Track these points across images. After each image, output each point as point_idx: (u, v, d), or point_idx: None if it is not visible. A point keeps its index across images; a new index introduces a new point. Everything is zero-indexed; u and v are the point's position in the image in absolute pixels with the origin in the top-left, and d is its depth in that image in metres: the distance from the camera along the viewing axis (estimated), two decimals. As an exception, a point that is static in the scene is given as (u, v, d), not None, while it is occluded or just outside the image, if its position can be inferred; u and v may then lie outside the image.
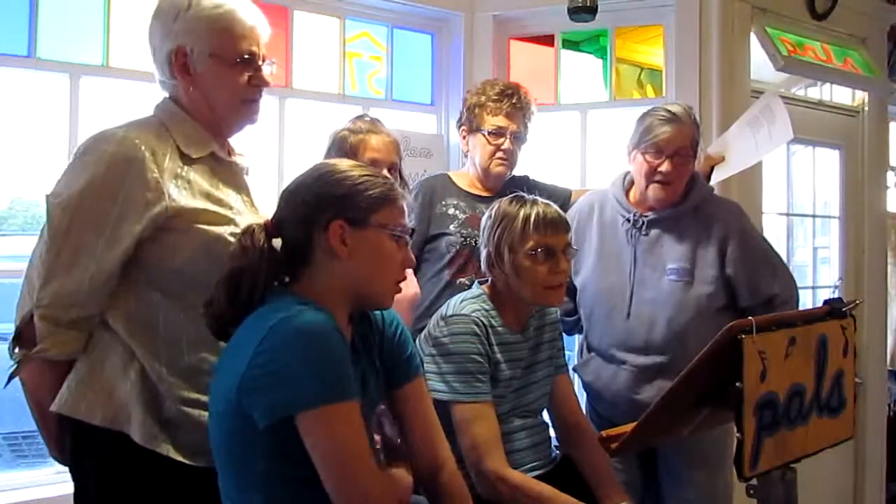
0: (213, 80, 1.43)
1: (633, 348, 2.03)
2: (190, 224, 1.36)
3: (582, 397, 2.29)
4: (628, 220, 2.08)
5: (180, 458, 1.35)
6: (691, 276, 2.00)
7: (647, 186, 2.04)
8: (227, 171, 1.48)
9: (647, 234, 2.06)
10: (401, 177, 1.92)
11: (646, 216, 2.06)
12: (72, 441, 1.38)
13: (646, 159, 2.02)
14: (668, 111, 2.03)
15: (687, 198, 2.07)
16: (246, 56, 1.44)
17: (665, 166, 1.99)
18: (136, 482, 1.34)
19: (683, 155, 2.01)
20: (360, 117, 1.99)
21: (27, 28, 2.19)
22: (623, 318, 2.04)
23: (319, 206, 1.26)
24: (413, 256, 1.37)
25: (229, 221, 1.40)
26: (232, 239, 1.37)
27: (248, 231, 1.28)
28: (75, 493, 1.41)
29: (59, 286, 1.32)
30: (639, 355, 2.02)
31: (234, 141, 1.56)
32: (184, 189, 1.37)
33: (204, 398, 1.35)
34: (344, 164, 1.34)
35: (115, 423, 1.33)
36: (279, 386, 1.14)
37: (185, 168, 1.39)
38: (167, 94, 1.48)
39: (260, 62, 1.47)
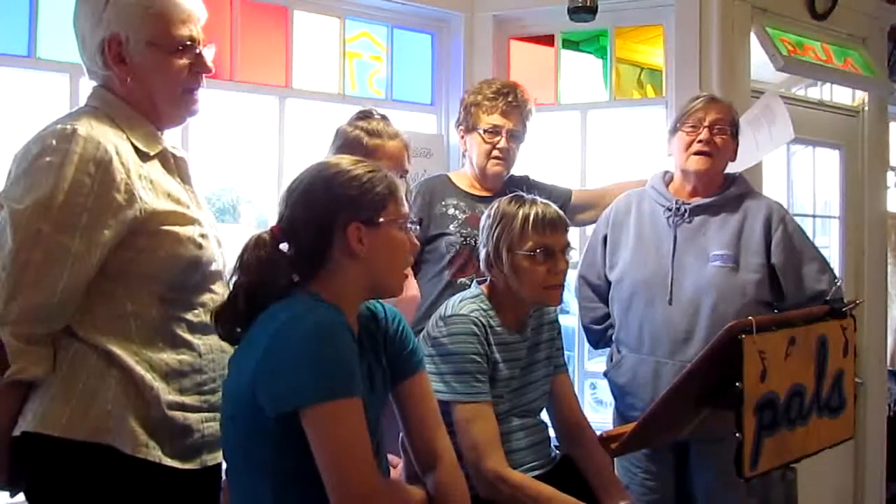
0: (152, 69, 1.34)
1: (674, 338, 1.98)
2: (158, 226, 1.30)
3: (583, 397, 2.29)
4: (669, 209, 2.09)
5: (170, 463, 1.30)
6: (736, 262, 1.98)
7: (686, 160, 2.06)
8: (174, 166, 1.42)
9: (690, 222, 2.06)
10: (406, 181, 1.90)
11: (688, 204, 2.07)
12: (37, 463, 1.27)
13: (684, 131, 2.06)
14: (705, 93, 2.15)
15: (731, 187, 2.09)
16: (187, 42, 1.36)
17: (703, 135, 2.03)
18: (123, 495, 1.28)
19: (721, 129, 2.05)
20: (369, 115, 1.92)
21: (27, 28, 2.19)
22: (665, 305, 2.00)
23: (335, 209, 1.27)
24: (416, 239, 1.39)
25: (194, 221, 1.36)
26: (201, 240, 1.36)
27: (260, 242, 1.28)
28: None
29: (29, 299, 1.21)
30: (681, 346, 1.97)
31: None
32: (149, 190, 1.31)
33: (187, 400, 1.35)
34: (345, 162, 1.33)
35: (99, 436, 1.25)
36: (285, 379, 1.16)
37: (144, 166, 1.32)
38: (98, 84, 1.38)
39: (200, 48, 1.39)
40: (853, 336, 1.40)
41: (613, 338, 2.16)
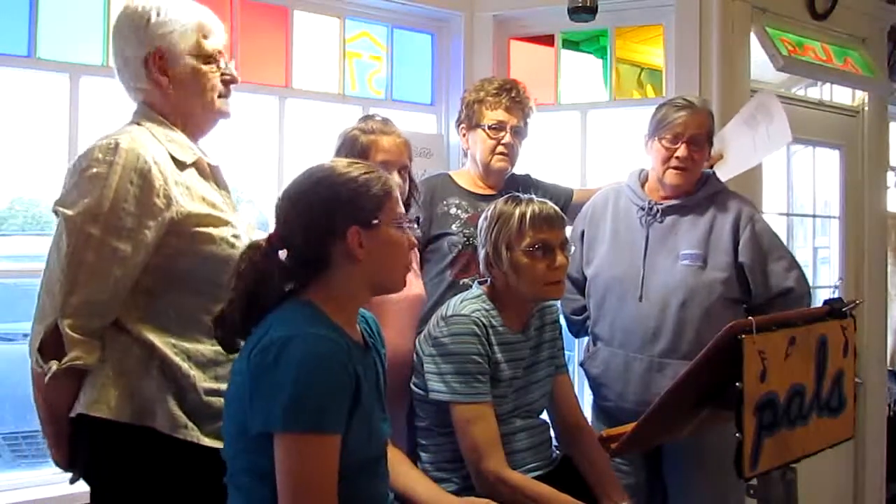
0: (190, 78, 1.51)
1: (644, 334, 2.02)
2: (193, 227, 1.43)
3: (583, 397, 2.29)
4: (642, 208, 2.11)
5: (208, 443, 1.41)
6: (704, 261, 2.02)
7: (663, 173, 2.08)
8: (209, 174, 1.54)
9: (661, 222, 2.08)
10: (410, 178, 1.91)
11: (660, 204, 2.09)
12: (90, 443, 1.42)
13: (662, 145, 2.07)
14: (684, 100, 2.10)
15: (702, 188, 2.11)
16: (217, 53, 1.55)
17: (681, 151, 2.04)
18: (161, 472, 1.40)
19: (698, 142, 2.06)
20: (370, 117, 1.96)
21: (27, 28, 2.18)
22: (635, 302, 2.04)
23: (331, 214, 1.27)
24: (414, 237, 1.40)
25: (227, 223, 1.48)
26: (234, 240, 1.45)
27: (254, 247, 1.29)
28: (92, 495, 1.46)
29: (87, 295, 1.35)
30: (650, 342, 2.01)
31: (217, 142, 1.65)
32: (185, 195, 1.44)
33: (223, 387, 1.42)
34: (340, 165, 1.33)
35: (142, 418, 1.39)
36: (263, 400, 1.18)
37: (181, 174, 1.45)
38: (140, 100, 1.54)
39: (227, 60, 1.58)
40: (853, 336, 1.40)
41: (589, 331, 2.21)
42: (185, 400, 1.42)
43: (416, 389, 1.75)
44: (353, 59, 2.81)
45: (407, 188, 1.88)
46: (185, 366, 1.42)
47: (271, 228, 1.34)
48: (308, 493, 1.16)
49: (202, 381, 1.44)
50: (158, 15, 1.49)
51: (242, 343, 1.29)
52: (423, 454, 1.76)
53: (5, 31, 2.17)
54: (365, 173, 1.31)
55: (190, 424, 1.41)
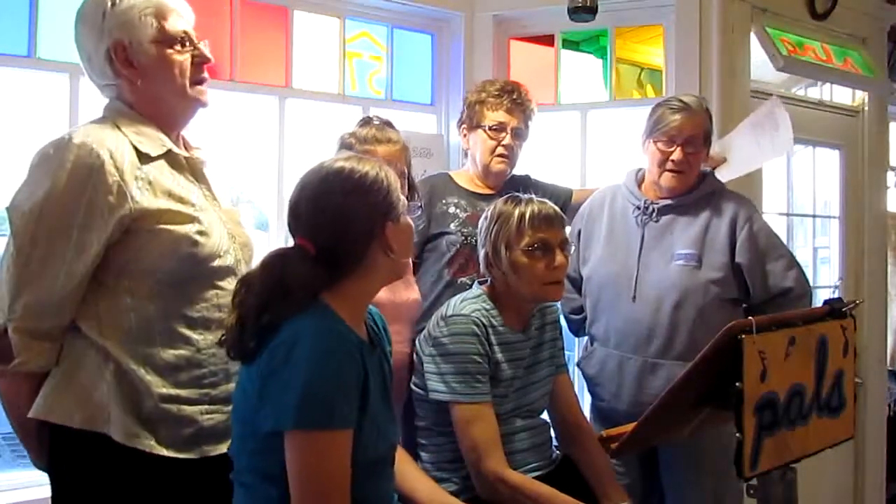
0: (158, 66, 1.42)
1: (638, 335, 2.02)
2: (154, 225, 1.36)
3: (583, 397, 2.30)
4: (638, 207, 2.10)
5: (164, 453, 1.35)
6: (699, 261, 2.00)
7: (659, 175, 2.06)
8: (185, 167, 1.47)
9: (657, 221, 2.08)
10: (410, 182, 1.89)
11: (656, 203, 2.08)
12: (50, 445, 1.38)
13: (658, 148, 2.05)
14: (681, 101, 2.07)
15: (699, 187, 2.10)
16: (183, 36, 1.45)
17: (676, 154, 2.03)
18: (117, 481, 1.34)
19: (695, 144, 2.04)
20: (367, 122, 1.93)
21: (27, 28, 2.19)
22: (629, 302, 2.03)
23: (376, 218, 1.29)
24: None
25: (192, 220, 1.40)
26: (197, 237, 1.39)
27: (278, 255, 1.27)
28: (53, 498, 1.40)
29: (31, 297, 1.31)
30: (644, 342, 2.01)
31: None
32: (145, 190, 1.36)
33: (183, 393, 1.39)
34: (361, 166, 1.31)
35: (94, 424, 1.32)
36: (273, 398, 1.17)
37: (144, 168, 1.38)
38: (112, 96, 1.46)
39: (196, 41, 1.48)
40: (853, 336, 1.40)
41: (586, 330, 2.21)
42: (141, 407, 1.35)
43: (416, 389, 1.75)
44: (353, 59, 2.81)
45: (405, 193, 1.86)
46: (140, 371, 1.35)
47: (273, 230, 1.33)
48: (321, 490, 1.16)
49: (159, 387, 1.36)
50: (113, 5, 1.39)
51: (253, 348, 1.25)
52: (423, 454, 1.76)
53: (5, 31, 2.17)
54: (379, 170, 1.32)
55: (143, 433, 1.34)
